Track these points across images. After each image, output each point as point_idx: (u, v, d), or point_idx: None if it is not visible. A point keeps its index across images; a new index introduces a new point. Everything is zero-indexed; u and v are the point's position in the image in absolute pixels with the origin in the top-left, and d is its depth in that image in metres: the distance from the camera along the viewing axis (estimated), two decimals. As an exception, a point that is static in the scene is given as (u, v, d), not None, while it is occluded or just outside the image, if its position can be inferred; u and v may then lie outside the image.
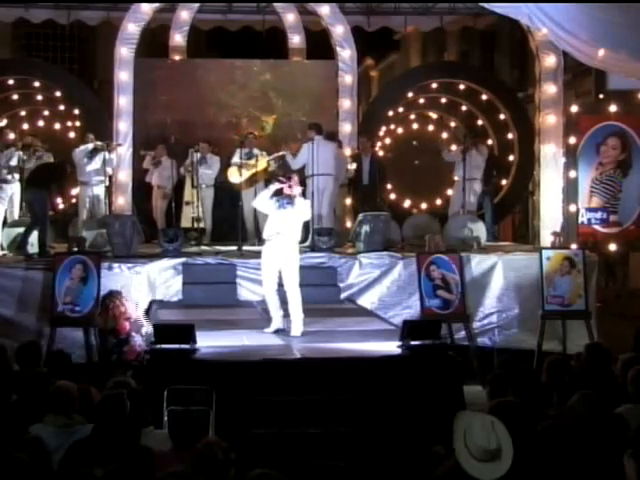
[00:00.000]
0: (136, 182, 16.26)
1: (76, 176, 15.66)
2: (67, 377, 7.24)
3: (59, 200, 16.91)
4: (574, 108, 15.93)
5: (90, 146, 15.32)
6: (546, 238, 15.17)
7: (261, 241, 14.56)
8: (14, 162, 14.82)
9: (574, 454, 5.62)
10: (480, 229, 14.98)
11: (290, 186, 10.46)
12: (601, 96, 16.82)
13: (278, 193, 10.57)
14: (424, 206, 18.80)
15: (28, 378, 7.33)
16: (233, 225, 14.41)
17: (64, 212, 16.76)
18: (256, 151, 15.46)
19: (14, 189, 15.00)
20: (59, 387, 6.58)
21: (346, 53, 16.54)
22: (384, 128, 18.75)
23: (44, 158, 15.35)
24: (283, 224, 10.43)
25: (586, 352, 8.26)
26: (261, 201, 10.75)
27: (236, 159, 15.23)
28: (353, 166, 15.73)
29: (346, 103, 16.49)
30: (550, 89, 15.72)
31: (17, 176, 14.91)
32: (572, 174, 15.21)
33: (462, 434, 5.07)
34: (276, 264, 10.55)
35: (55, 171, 14.56)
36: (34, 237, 13.66)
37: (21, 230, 13.92)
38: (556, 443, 5.60)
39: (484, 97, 18.18)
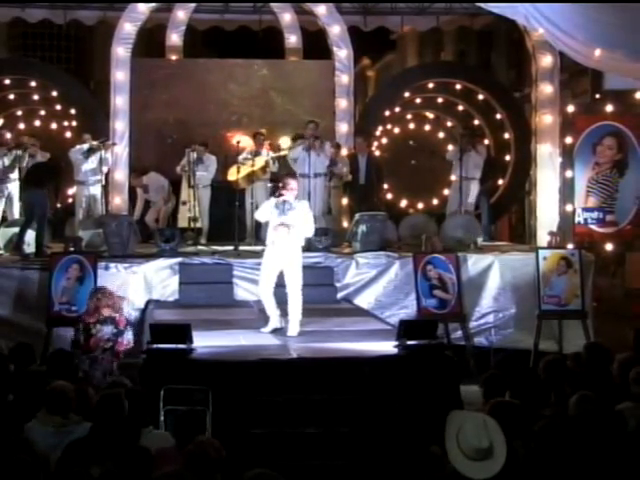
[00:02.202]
0: (131, 193, 16.29)
1: (72, 175, 15.69)
2: (69, 375, 7.26)
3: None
4: (570, 108, 15.95)
5: (85, 146, 15.31)
6: (543, 238, 15.19)
7: (259, 241, 14.67)
8: (7, 162, 14.82)
9: (571, 453, 5.63)
10: (477, 229, 14.99)
11: (291, 189, 10.43)
12: (597, 96, 16.84)
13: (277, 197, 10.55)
14: (421, 206, 18.81)
15: (25, 377, 7.33)
16: (230, 225, 14.41)
17: (54, 211, 16.62)
18: (264, 151, 15.51)
19: (10, 188, 14.99)
20: (56, 387, 6.58)
21: (343, 53, 16.55)
22: (381, 128, 18.75)
23: (38, 157, 15.35)
24: (287, 230, 10.41)
25: (586, 352, 8.26)
26: (263, 213, 10.72)
27: (242, 157, 15.24)
28: (349, 177, 15.75)
29: (343, 103, 16.51)
30: (546, 89, 15.74)
31: (13, 176, 14.90)
32: (568, 174, 15.23)
33: (455, 434, 5.08)
34: (278, 266, 10.51)
35: (51, 170, 14.52)
36: (31, 237, 13.64)
37: (17, 230, 13.90)
38: (553, 442, 5.61)
39: (481, 97, 18.19)
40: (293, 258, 10.47)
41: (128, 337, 10.17)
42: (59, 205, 17.13)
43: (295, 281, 10.48)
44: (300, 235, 10.47)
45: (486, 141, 18.07)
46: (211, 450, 5.41)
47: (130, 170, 16.16)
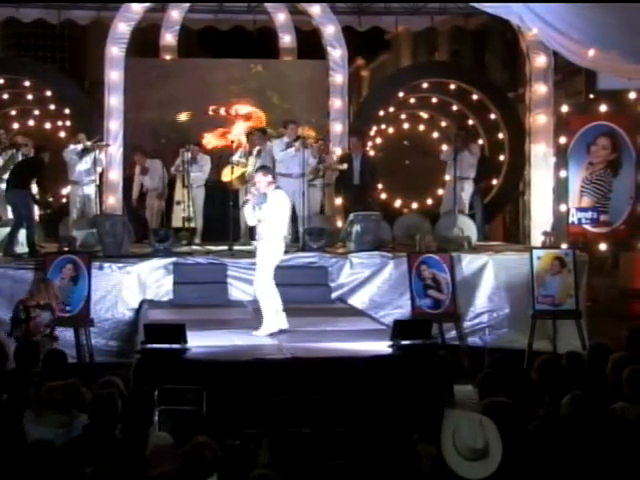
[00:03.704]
0: (127, 182, 16.24)
1: (67, 175, 15.68)
2: (63, 376, 7.25)
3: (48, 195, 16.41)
4: (564, 108, 15.97)
5: (79, 147, 15.29)
6: (537, 238, 15.19)
7: (253, 240, 14.63)
8: (1, 162, 14.78)
9: (565, 453, 5.63)
10: (471, 229, 14.99)
11: (257, 183, 10.47)
12: (591, 96, 16.87)
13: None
14: (415, 206, 18.83)
15: (20, 377, 7.33)
16: (224, 225, 14.41)
17: (46, 204, 16.26)
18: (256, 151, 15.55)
19: (4, 188, 14.97)
20: (52, 388, 6.56)
21: (337, 53, 16.53)
22: (375, 128, 18.77)
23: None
24: (260, 224, 10.47)
25: (590, 351, 8.27)
26: (247, 217, 10.78)
27: (236, 157, 15.26)
28: (344, 166, 15.71)
29: (337, 103, 16.49)
30: (540, 89, 15.75)
31: (6, 176, 14.85)
32: (562, 174, 15.26)
33: (451, 433, 5.08)
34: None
35: (32, 167, 14.26)
36: (24, 237, 13.62)
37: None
38: (546, 442, 5.61)
39: (475, 97, 18.21)
40: (261, 250, 10.53)
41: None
42: (51, 199, 16.75)
43: (256, 274, 10.56)
44: (272, 226, 10.41)
45: (480, 141, 18.09)
46: (207, 452, 5.40)
47: (124, 170, 16.11)
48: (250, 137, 15.66)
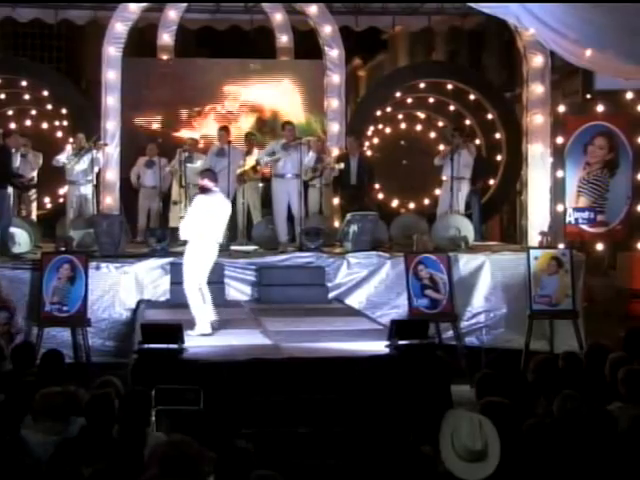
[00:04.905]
0: (124, 181, 16.24)
1: (64, 175, 15.67)
2: (60, 377, 7.24)
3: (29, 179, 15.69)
4: (561, 108, 15.98)
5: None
6: (534, 238, 15.20)
7: (250, 241, 14.66)
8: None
9: (560, 453, 5.63)
10: (468, 229, 14.99)
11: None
12: (588, 96, 16.87)
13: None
14: (412, 206, 18.84)
15: (18, 378, 7.32)
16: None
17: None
18: (256, 151, 15.56)
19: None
20: (50, 395, 6.52)
21: (334, 53, 16.54)
22: (372, 128, 18.79)
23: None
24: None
25: (588, 351, 8.28)
26: None
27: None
28: (341, 165, 15.70)
29: (334, 103, 16.50)
30: (537, 89, 15.75)
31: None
32: (559, 174, 15.27)
33: (449, 434, 5.08)
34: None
35: None
36: (20, 236, 13.60)
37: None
38: (541, 442, 5.61)
39: (472, 97, 18.22)
40: (185, 252, 10.57)
41: (19, 321, 11.15)
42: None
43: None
44: (194, 230, 10.35)
45: (477, 141, 18.10)
46: (189, 449, 5.19)
47: (122, 169, 16.09)
48: (248, 137, 15.66)
